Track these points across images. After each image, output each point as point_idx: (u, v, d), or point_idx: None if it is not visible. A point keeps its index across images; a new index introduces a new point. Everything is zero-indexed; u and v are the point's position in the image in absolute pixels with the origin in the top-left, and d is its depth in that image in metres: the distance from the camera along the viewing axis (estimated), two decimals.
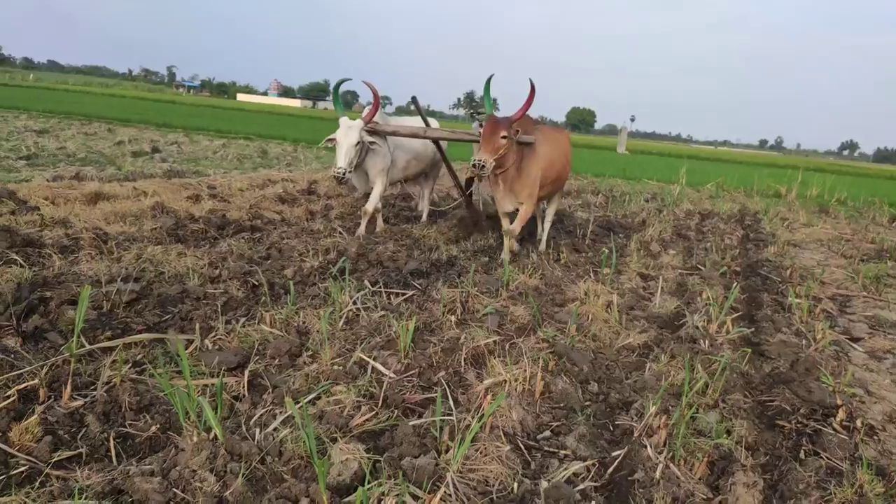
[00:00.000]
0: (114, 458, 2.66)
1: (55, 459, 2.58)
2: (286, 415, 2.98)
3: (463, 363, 3.88)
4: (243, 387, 3.30)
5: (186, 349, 3.66)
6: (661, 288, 6.07)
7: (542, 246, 7.65)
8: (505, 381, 3.53)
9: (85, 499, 2.24)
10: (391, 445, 2.86)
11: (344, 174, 6.59)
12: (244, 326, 4.06)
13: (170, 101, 54.64)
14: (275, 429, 2.88)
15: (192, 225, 6.88)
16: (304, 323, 4.26)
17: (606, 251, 6.90)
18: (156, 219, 6.98)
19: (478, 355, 4.04)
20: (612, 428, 3.35)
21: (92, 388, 3.15)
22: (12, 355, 3.36)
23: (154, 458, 2.57)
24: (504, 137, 5.97)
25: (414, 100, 7.60)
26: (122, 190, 8.26)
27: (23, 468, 2.50)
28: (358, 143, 6.77)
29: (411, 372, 3.68)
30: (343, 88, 7.46)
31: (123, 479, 2.39)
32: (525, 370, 3.60)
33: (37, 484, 2.40)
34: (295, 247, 6.41)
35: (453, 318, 4.57)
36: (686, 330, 4.90)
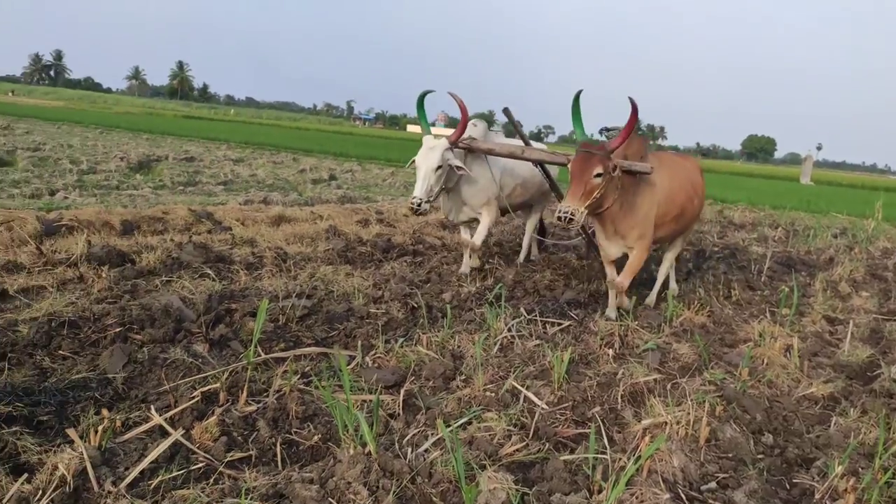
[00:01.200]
0: (279, 463, 2.83)
1: (228, 459, 2.79)
2: (437, 437, 3.00)
3: (619, 400, 3.70)
4: (398, 405, 3.39)
5: (348, 365, 3.84)
6: (852, 333, 5.42)
7: (652, 299, 6.13)
8: (665, 423, 3.31)
9: (251, 500, 2.39)
10: (541, 479, 2.78)
11: (420, 204, 5.45)
12: (402, 347, 4.18)
13: (347, 133, 58.73)
14: (426, 450, 2.91)
15: (360, 247, 7.27)
16: (458, 347, 4.31)
17: (786, 290, 6.29)
18: (329, 240, 7.47)
19: (636, 393, 3.83)
20: (788, 486, 3.01)
21: (264, 394, 3.39)
22: (200, 360, 3.72)
23: (314, 467, 2.70)
24: (599, 175, 4.55)
25: (506, 112, 6.06)
26: (301, 213, 8.95)
27: (201, 464, 2.73)
28: (439, 167, 5.58)
29: (564, 405, 3.57)
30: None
31: (286, 484, 2.53)
32: (688, 413, 3.35)
33: (211, 480, 2.62)
34: (454, 272, 6.54)
35: (611, 351, 4.39)
36: (881, 382, 4.32)
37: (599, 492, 2.66)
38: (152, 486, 2.54)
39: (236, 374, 3.56)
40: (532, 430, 3.22)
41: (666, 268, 6.38)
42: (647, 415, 3.47)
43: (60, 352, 3.71)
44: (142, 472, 2.59)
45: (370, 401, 3.33)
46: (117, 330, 4.01)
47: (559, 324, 5.07)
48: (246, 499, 2.32)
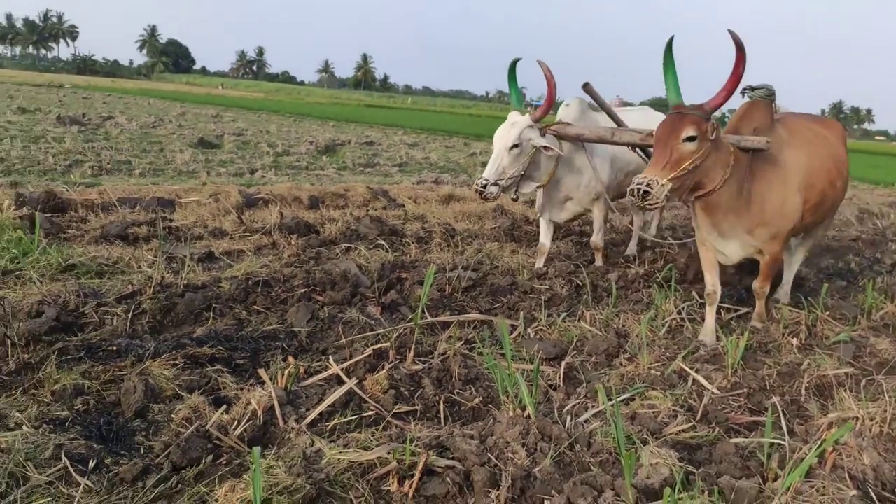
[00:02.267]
0: (442, 420, 2.95)
1: (395, 411, 2.96)
2: (598, 409, 2.96)
3: (804, 391, 3.40)
4: (559, 377, 3.38)
5: (510, 335, 3.89)
6: None
7: (786, 297, 5.11)
8: (857, 418, 2.99)
9: (415, 447, 2.52)
10: (708, 461, 2.64)
11: (486, 186, 4.60)
12: (565, 321, 4.15)
13: None
14: (586, 420, 2.89)
15: (526, 227, 7.29)
16: (623, 326, 4.19)
17: None
18: (495, 219, 7.58)
19: (823, 386, 3.50)
20: None
21: (430, 356, 3.54)
22: (373, 321, 3.97)
23: (474, 426, 2.78)
24: (691, 139, 3.46)
25: (587, 89, 4.93)
26: (469, 193, 9.16)
27: (371, 413, 2.93)
28: (515, 146, 4.70)
29: (738, 391, 3.35)
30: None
31: (447, 437, 2.63)
32: (885, 410, 3.00)
33: (380, 427, 2.80)
34: (621, 252, 6.35)
35: (795, 341, 4.04)
36: None
37: (774, 480, 2.47)
38: (329, 426, 2.77)
39: (404, 335, 3.75)
40: (700, 413, 3.06)
41: (798, 261, 5.21)
42: (834, 409, 3.16)
43: (255, 306, 4.13)
44: (320, 414, 2.83)
45: (530, 370, 3.35)
46: (303, 290, 4.39)
47: (736, 310, 4.75)
48: (411, 446, 2.45)
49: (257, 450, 2.02)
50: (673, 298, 4.58)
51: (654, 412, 3.02)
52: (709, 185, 3.69)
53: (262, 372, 3.04)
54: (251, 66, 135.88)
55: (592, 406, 3.03)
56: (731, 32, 3.40)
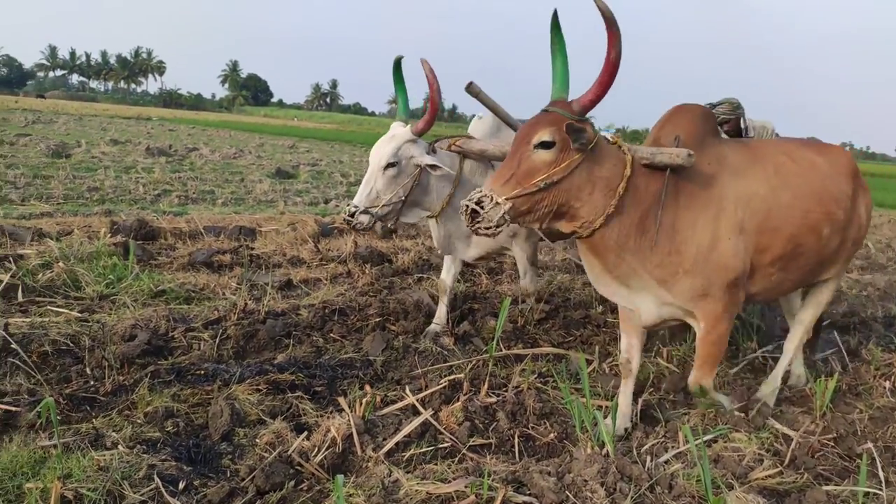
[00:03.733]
0: (516, 454, 2.94)
1: (470, 444, 2.97)
2: (679, 450, 2.88)
3: None
4: (636, 414, 3.31)
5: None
6: None
7: (800, 380, 3.96)
8: None
9: (492, 481, 2.52)
10: None
11: (353, 215, 3.69)
12: (641, 358, 4.07)
13: None
14: (666, 461, 2.81)
15: None
16: None
17: None
18: (566, 251, 7.53)
19: None
20: None
21: (504, 389, 3.54)
22: (447, 352, 4.00)
23: (551, 462, 2.75)
24: (545, 146, 2.64)
25: (470, 88, 3.42)
26: None
27: (446, 444, 2.94)
28: (391, 164, 3.76)
29: (828, 436, 3.19)
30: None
31: (524, 472, 2.62)
32: None
33: (455, 460, 2.81)
34: None
35: (888, 384, 3.82)
36: None
37: None
38: (405, 457, 2.81)
39: (478, 367, 3.76)
40: (788, 459, 2.93)
41: (796, 339, 3.74)
42: None
43: (332, 334, 4.24)
44: (396, 444, 2.86)
45: (607, 406, 3.30)
46: (377, 319, 4.47)
47: (823, 352, 4.54)
48: (488, 480, 2.45)
49: (340, 478, 2.07)
50: (755, 338, 4.43)
51: (738, 455, 2.91)
52: (583, 213, 2.71)
53: (341, 400, 3.11)
54: (325, 98, 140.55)
55: (672, 446, 2.95)
56: (598, 3, 2.44)
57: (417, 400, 3.24)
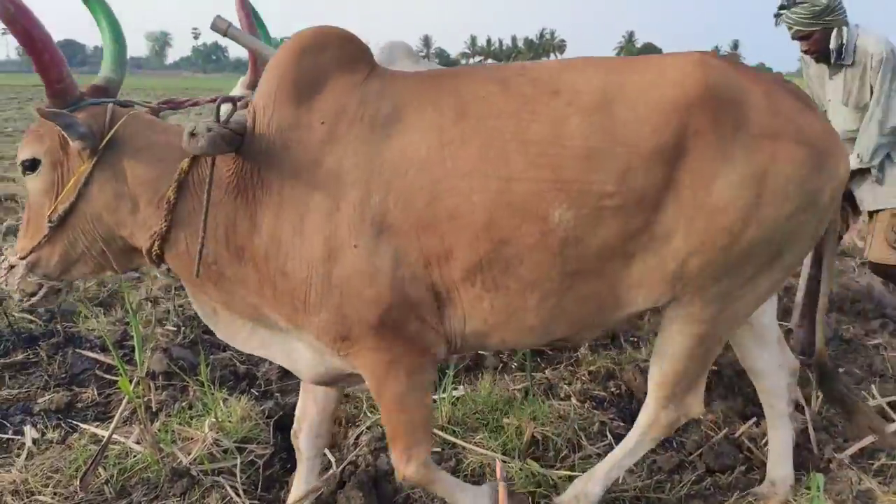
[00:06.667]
0: None
1: None
2: None
3: None
4: None
5: None
6: None
7: (785, 483, 2.26)
8: None
9: None
10: None
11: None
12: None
13: None
14: None
15: None
16: None
17: None
18: None
19: None
20: None
21: None
22: None
23: None
24: (31, 168, 1.83)
25: (217, 25, 2.35)
26: None
27: None
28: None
29: None
30: None
31: None
32: None
33: None
34: None
35: None
36: None
37: None
38: (874, 466, 2.46)
39: None
40: None
41: (646, 417, 2.09)
42: None
43: None
44: (861, 450, 2.52)
45: None
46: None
47: None
48: None
49: (820, 477, 1.89)
50: None
51: None
52: (140, 241, 1.86)
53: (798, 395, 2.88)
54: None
55: None
56: None
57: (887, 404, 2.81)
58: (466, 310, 1.81)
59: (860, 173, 3.30)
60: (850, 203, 3.42)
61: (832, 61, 3.18)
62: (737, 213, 1.72)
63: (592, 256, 1.75)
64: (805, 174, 1.75)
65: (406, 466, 1.88)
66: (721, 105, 1.72)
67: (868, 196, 3.34)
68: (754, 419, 2.71)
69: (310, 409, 2.19)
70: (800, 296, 2.81)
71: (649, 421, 2.05)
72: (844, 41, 3.09)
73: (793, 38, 3.19)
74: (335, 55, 1.84)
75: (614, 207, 1.70)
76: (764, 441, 2.56)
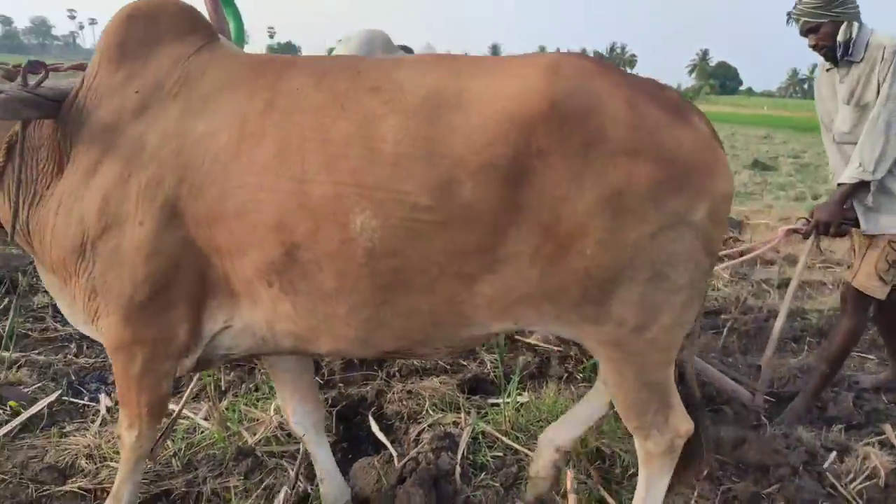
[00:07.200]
0: None
1: None
2: None
3: None
4: None
5: None
6: None
7: None
8: None
9: None
10: None
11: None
12: None
13: None
14: None
15: None
16: None
17: None
18: None
19: None
20: None
21: None
22: None
23: None
24: None
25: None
26: None
27: None
28: None
29: None
30: None
31: None
32: None
33: None
34: None
35: None
36: None
37: None
38: None
39: None
40: None
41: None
42: None
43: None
44: None
45: None
46: None
47: None
48: None
49: None
50: None
51: None
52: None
53: (887, 427, 2.70)
54: (801, 85, 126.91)
55: None
56: None
57: None
58: (269, 308, 1.74)
59: (863, 186, 2.71)
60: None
61: (839, 56, 2.82)
62: (590, 237, 1.57)
63: (414, 271, 1.62)
64: (663, 194, 1.57)
65: (127, 431, 1.89)
66: (569, 121, 1.55)
67: (866, 217, 2.80)
68: (835, 453, 2.55)
69: (287, 393, 2.16)
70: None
71: (643, 457, 1.93)
72: (853, 35, 2.78)
73: (801, 33, 2.90)
74: (166, 25, 1.81)
75: (434, 223, 1.57)
76: (850, 477, 2.41)
